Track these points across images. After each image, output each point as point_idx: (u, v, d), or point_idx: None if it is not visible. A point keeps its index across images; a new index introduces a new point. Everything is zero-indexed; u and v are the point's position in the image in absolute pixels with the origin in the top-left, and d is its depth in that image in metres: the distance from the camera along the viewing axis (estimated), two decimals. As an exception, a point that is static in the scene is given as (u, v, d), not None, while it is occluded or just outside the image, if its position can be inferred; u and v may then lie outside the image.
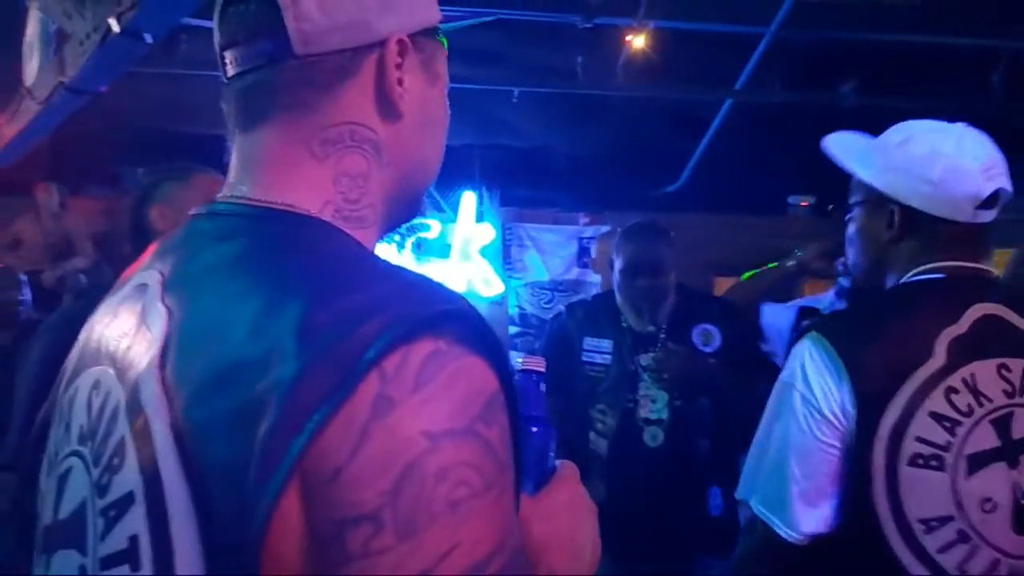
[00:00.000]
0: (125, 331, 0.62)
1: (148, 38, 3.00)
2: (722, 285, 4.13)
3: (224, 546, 0.48)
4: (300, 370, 0.49)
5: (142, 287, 0.64)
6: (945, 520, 1.16)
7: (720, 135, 5.58)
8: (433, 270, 5.24)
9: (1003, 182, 1.32)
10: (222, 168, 0.72)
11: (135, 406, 0.55)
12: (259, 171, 0.66)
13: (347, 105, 0.65)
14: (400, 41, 0.67)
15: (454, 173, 5.07)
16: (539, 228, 5.72)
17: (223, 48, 0.68)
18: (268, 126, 0.66)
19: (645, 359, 2.73)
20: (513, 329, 5.49)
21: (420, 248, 5.31)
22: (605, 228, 5.62)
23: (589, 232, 5.71)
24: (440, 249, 5.40)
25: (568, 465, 0.74)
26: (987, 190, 1.31)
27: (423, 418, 0.49)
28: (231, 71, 0.67)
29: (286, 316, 0.52)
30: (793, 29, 4.70)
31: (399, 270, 0.60)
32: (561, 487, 0.71)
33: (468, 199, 5.44)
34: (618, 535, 1.80)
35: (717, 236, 5.39)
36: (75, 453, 0.62)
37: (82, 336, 0.72)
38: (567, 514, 0.69)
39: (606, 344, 2.80)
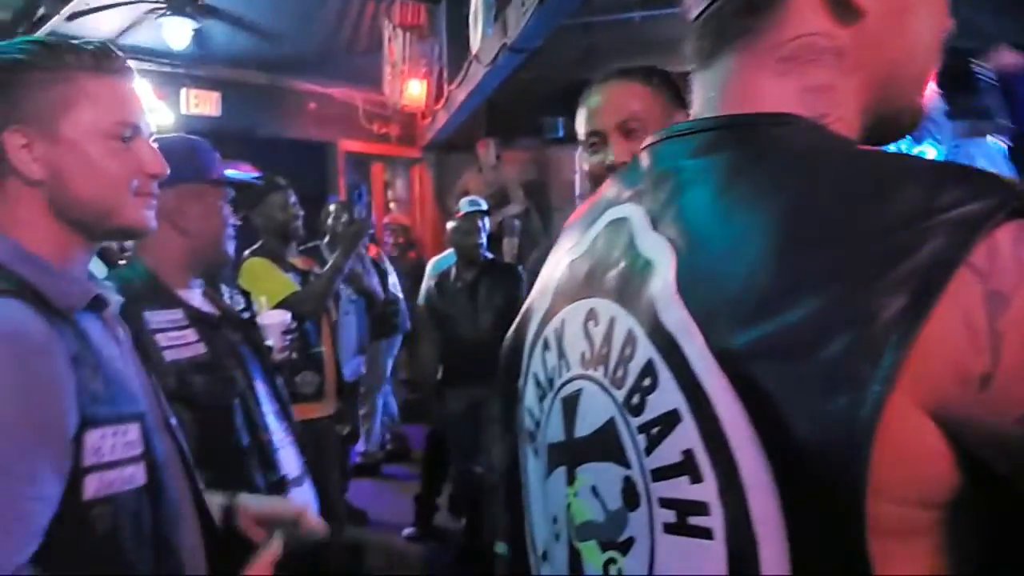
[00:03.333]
0: (616, 263, 0.64)
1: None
2: None
3: (799, 461, 0.48)
4: (866, 290, 0.47)
5: (620, 221, 0.65)
6: None
7: None
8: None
9: None
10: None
11: (659, 331, 0.56)
12: (722, 99, 0.64)
13: (797, 19, 0.61)
14: None
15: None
16: None
17: None
18: (725, 58, 0.64)
19: None
20: None
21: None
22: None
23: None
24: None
25: None
26: None
27: None
28: (692, 13, 0.67)
29: (819, 229, 0.51)
30: None
31: (927, 160, 0.54)
32: None
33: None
34: None
35: None
36: (582, 377, 0.65)
37: (549, 274, 0.75)
38: None
39: None
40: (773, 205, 0.53)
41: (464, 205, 3.83)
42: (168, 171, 1.00)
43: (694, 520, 0.54)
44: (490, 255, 3.91)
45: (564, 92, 5.74)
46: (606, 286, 0.64)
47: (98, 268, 2.76)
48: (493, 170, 6.16)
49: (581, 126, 1.38)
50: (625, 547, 0.59)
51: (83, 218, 0.96)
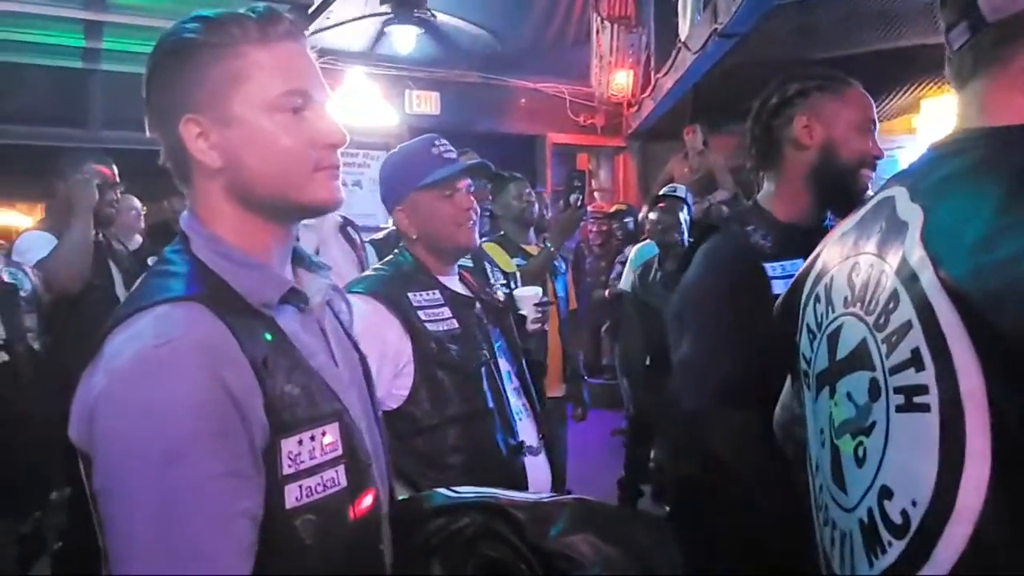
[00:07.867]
0: (878, 228, 0.84)
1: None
2: None
3: (997, 348, 0.66)
4: None
5: (885, 200, 0.85)
6: None
7: None
8: None
9: None
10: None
11: (905, 267, 0.76)
12: (979, 111, 0.83)
13: None
14: None
15: None
16: None
17: (945, 32, 0.86)
18: (977, 81, 0.84)
19: None
20: None
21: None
22: None
23: None
24: None
25: None
26: None
27: None
28: (955, 45, 0.85)
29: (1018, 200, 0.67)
30: None
31: None
32: None
33: None
34: None
35: None
36: (844, 315, 0.86)
37: (818, 251, 0.98)
38: None
39: None
40: (998, 184, 0.71)
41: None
42: (348, 138, 0.91)
43: (917, 399, 0.72)
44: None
45: (774, 73, 5.53)
46: (869, 245, 0.85)
47: (345, 254, 3.03)
48: (700, 156, 6.06)
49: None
50: (869, 430, 0.80)
51: (264, 200, 0.88)
